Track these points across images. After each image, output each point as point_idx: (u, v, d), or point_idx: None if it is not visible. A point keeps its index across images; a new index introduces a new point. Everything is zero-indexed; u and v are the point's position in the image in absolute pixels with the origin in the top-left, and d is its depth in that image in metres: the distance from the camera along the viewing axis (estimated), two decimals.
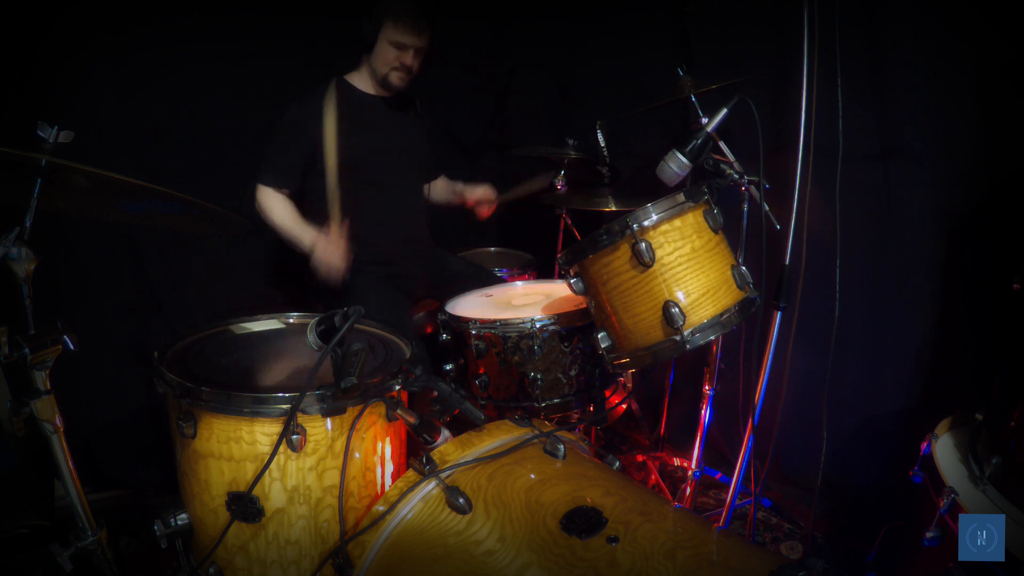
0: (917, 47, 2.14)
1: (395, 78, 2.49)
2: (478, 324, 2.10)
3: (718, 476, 2.75)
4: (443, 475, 1.46)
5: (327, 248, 2.33)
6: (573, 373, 2.11)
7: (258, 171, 2.50)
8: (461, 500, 1.38)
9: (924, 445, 1.75)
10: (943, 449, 1.74)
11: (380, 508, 1.45)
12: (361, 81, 2.59)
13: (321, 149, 2.36)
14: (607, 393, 2.27)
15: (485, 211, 2.92)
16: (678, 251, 1.74)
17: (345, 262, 2.35)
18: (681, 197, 1.76)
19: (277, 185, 2.49)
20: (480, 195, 2.89)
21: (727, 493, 2.23)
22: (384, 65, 2.47)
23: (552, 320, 2.06)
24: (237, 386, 1.56)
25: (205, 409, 1.54)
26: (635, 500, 1.41)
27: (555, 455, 1.55)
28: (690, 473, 2.33)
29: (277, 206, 2.49)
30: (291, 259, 2.52)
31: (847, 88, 2.13)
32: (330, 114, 2.27)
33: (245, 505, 1.53)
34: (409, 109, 2.70)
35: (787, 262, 2.05)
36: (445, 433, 1.62)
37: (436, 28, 2.48)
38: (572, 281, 1.88)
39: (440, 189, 2.94)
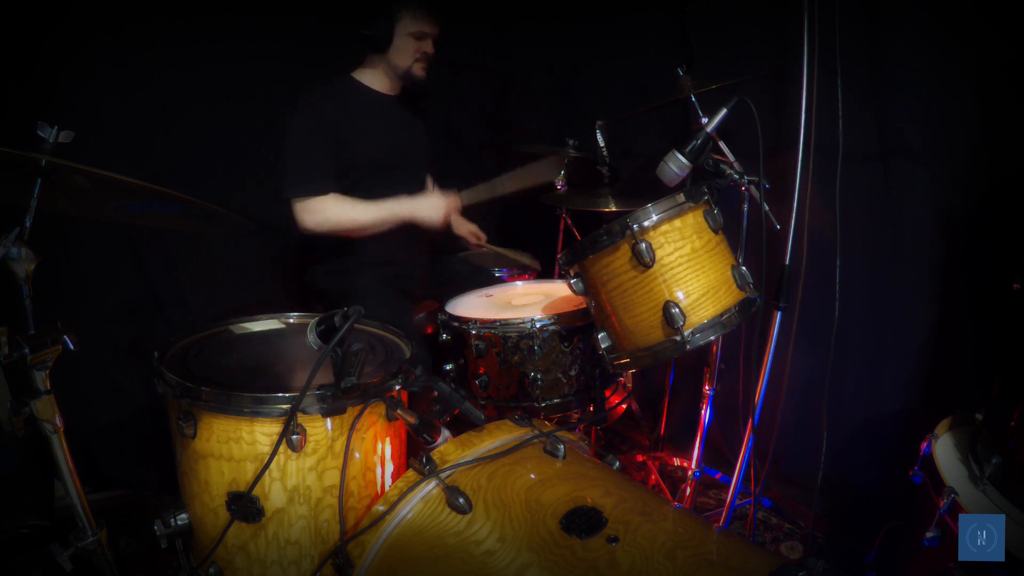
0: (917, 47, 2.14)
1: (419, 69, 2.49)
2: (478, 324, 2.10)
3: (718, 476, 2.75)
4: (443, 475, 1.46)
5: (436, 203, 2.48)
6: (573, 373, 2.11)
7: (288, 188, 2.34)
8: (461, 500, 1.38)
9: (924, 445, 1.75)
10: (943, 449, 1.74)
11: (380, 508, 1.45)
12: (372, 79, 2.54)
13: (343, 146, 2.36)
14: (607, 393, 2.27)
15: (473, 246, 2.91)
16: (678, 251, 1.74)
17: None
18: (681, 197, 1.76)
19: (321, 192, 2.35)
20: (466, 232, 2.86)
21: (727, 493, 2.23)
22: (406, 59, 2.45)
23: (552, 320, 2.06)
24: (237, 386, 1.56)
25: (205, 409, 1.54)
26: (635, 500, 1.41)
27: (555, 455, 1.55)
28: (690, 473, 2.33)
29: (340, 207, 2.37)
30: (291, 259, 2.52)
31: (847, 88, 2.13)
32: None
33: (245, 505, 1.53)
34: (416, 108, 2.69)
35: (787, 262, 2.05)
36: (445, 433, 1.62)
37: (446, 14, 2.48)
38: (572, 281, 1.88)
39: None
